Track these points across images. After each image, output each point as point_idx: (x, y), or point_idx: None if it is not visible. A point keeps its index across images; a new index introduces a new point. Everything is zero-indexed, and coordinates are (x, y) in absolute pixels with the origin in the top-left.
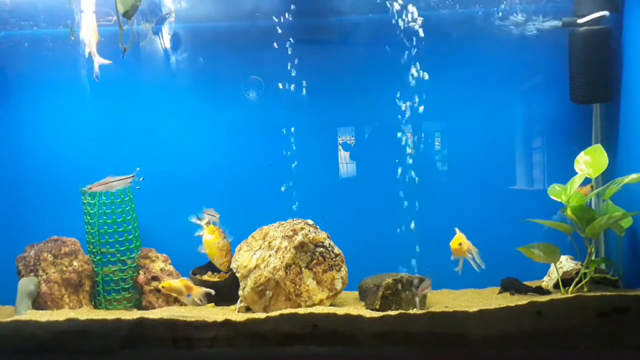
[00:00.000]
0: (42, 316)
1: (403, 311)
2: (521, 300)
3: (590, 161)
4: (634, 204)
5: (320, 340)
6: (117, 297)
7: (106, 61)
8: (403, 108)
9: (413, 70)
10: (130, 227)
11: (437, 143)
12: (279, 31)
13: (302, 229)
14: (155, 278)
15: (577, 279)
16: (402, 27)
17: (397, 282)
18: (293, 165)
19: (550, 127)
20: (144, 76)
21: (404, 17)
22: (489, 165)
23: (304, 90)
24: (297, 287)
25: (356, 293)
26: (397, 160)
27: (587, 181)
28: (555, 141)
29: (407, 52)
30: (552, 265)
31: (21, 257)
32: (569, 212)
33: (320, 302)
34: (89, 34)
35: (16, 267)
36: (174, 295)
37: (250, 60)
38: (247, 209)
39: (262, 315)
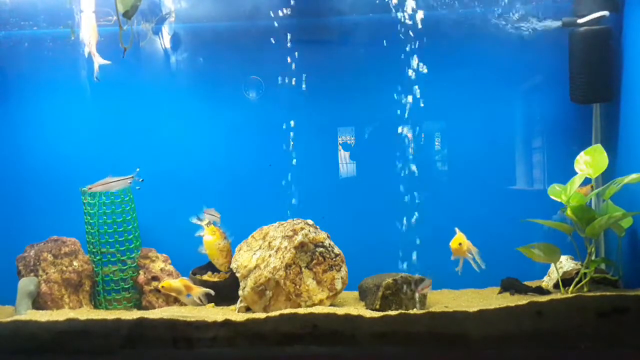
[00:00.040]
0: (42, 316)
1: (403, 311)
2: (521, 300)
3: (590, 161)
4: (634, 204)
5: (320, 340)
6: (117, 297)
7: (106, 61)
8: (403, 108)
9: (413, 70)
10: (130, 227)
11: (437, 143)
12: (279, 31)
13: (302, 229)
14: (155, 278)
15: (577, 279)
16: (402, 27)
17: (397, 282)
18: (293, 163)
19: (550, 127)
20: (144, 76)
21: (404, 17)
22: (489, 165)
23: (304, 90)
24: (297, 287)
25: (356, 293)
26: (397, 160)
27: (587, 181)
28: (555, 141)
29: (407, 52)
30: (552, 265)
31: (21, 257)
32: (569, 212)
33: (320, 302)
34: (88, 34)
35: (16, 267)
36: (174, 295)
37: (250, 60)
38: (247, 209)
39: (262, 315)
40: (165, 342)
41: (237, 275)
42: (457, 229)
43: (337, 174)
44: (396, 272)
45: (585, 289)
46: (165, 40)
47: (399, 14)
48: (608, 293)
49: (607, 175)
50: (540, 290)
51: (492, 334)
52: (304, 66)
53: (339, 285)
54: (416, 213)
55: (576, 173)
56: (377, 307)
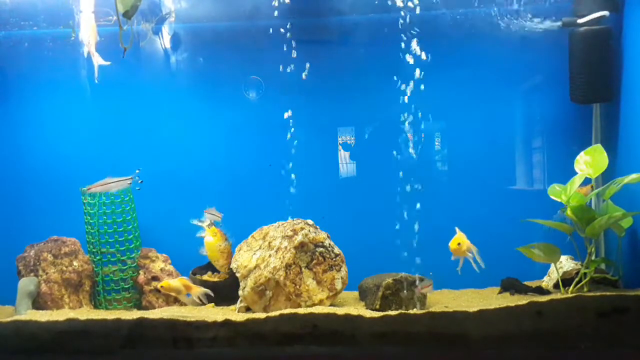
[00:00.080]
0: (42, 316)
1: (403, 311)
2: (521, 300)
3: (590, 161)
4: (634, 204)
5: (320, 340)
6: (117, 297)
7: (105, 62)
8: (403, 108)
9: (413, 70)
10: (130, 227)
11: (437, 143)
12: (279, 31)
13: (302, 229)
14: (155, 278)
15: (577, 279)
16: (402, 27)
17: (397, 282)
18: (291, 164)
19: (550, 127)
20: (144, 76)
21: (404, 17)
22: (489, 165)
23: (304, 90)
24: (297, 287)
25: (356, 293)
26: (397, 161)
27: (587, 181)
28: (555, 141)
29: (407, 52)
30: (552, 265)
31: (21, 257)
32: (569, 212)
33: (320, 302)
34: (87, 34)
35: (16, 267)
36: (173, 294)
37: (250, 60)
38: (247, 209)
39: (262, 315)
40: (165, 342)
41: (237, 275)
42: (457, 229)
43: (337, 174)
44: (396, 272)
45: (585, 289)
46: (165, 40)
47: (399, 14)
48: (608, 293)
49: (607, 175)
50: (540, 290)
51: (492, 334)
52: (304, 66)
53: (339, 285)
54: (416, 213)
55: (576, 173)
56: (377, 307)
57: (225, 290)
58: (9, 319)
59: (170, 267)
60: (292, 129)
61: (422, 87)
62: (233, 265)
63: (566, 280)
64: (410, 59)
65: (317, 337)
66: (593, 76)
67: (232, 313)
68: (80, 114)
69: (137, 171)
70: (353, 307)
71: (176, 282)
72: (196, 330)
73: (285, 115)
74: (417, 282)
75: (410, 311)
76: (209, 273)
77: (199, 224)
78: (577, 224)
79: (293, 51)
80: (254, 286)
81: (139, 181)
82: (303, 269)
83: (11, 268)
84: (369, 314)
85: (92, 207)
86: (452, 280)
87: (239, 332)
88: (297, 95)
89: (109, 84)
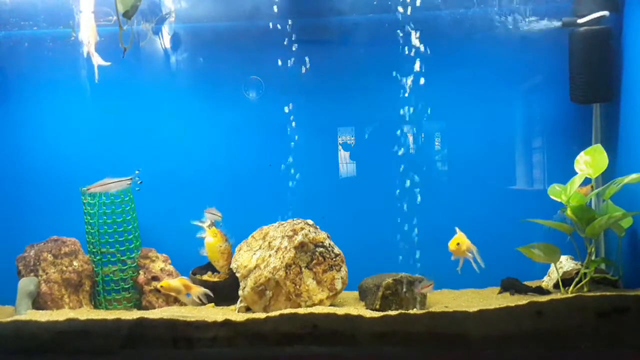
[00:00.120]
0: (42, 316)
1: (403, 311)
2: (521, 300)
3: (590, 161)
4: (634, 204)
5: (320, 340)
6: (117, 297)
7: (105, 62)
8: (403, 108)
9: (413, 70)
10: (130, 227)
11: (437, 143)
12: (279, 31)
13: (302, 229)
14: (155, 278)
15: (577, 279)
16: (402, 27)
17: (397, 282)
18: (291, 163)
19: (550, 127)
20: (144, 76)
21: (404, 17)
22: (489, 165)
23: (304, 90)
24: (297, 287)
25: (356, 293)
26: (397, 160)
27: (587, 181)
28: (555, 141)
29: (407, 52)
30: (552, 265)
31: (21, 257)
32: (569, 212)
33: (320, 302)
34: (87, 34)
35: (16, 267)
36: (173, 294)
37: (250, 60)
38: (247, 209)
39: (262, 315)
40: (165, 342)
41: (237, 275)
42: (457, 229)
43: (337, 174)
44: (396, 272)
45: (585, 289)
46: (165, 40)
47: (399, 14)
48: (608, 293)
49: (607, 175)
50: (540, 290)
51: (492, 334)
52: (304, 66)
53: (339, 285)
54: (416, 213)
55: (576, 173)
56: (377, 307)
57: (225, 290)
58: (9, 319)
59: (170, 267)
60: (292, 128)
61: (422, 87)
62: (233, 265)
63: (566, 280)
64: (409, 59)
65: (317, 337)
66: (593, 76)
67: (232, 313)
68: (80, 114)
69: (137, 172)
70: (353, 307)
71: (176, 282)
72: (196, 330)
73: (286, 109)
74: (417, 282)
75: (410, 311)
76: (209, 273)
77: (200, 224)
78: (577, 224)
79: (293, 51)
80: (254, 286)
81: (139, 182)
82: (303, 269)
83: (11, 268)
84: (369, 314)
85: (92, 207)
86: (452, 280)
87: (239, 332)
88: (297, 95)
89: (109, 84)
